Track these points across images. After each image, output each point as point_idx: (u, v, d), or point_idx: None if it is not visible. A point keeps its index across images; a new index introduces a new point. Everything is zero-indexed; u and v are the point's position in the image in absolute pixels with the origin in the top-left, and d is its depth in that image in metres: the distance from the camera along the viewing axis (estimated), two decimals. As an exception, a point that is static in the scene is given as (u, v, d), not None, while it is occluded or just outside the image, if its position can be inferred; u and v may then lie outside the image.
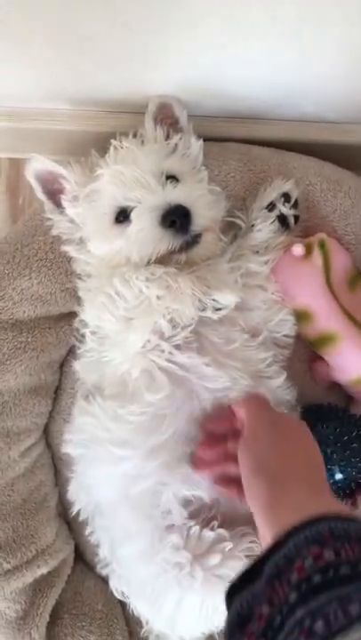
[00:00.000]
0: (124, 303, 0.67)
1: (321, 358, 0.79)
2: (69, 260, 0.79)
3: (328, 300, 0.71)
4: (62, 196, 0.74)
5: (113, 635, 0.80)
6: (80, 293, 0.77)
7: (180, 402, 0.68)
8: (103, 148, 0.75)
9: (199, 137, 0.76)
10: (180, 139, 0.75)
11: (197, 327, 0.69)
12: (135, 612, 0.77)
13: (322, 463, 0.56)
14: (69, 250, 0.76)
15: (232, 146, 0.82)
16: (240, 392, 0.68)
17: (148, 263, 0.68)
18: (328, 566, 0.38)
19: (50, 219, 0.76)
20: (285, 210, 0.75)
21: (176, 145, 0.74)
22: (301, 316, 0.74)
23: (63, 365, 0.87)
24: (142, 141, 0.74)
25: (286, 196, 0.76)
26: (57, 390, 0.87)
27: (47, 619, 0.79)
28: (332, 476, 0.73)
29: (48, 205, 0.75)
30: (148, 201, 0.68)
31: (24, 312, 0.79)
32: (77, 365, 0.77)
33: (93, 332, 0.73)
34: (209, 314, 0.67)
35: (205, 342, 0.70)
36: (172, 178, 0.71)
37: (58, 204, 0.75)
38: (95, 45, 0.69)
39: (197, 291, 0.66)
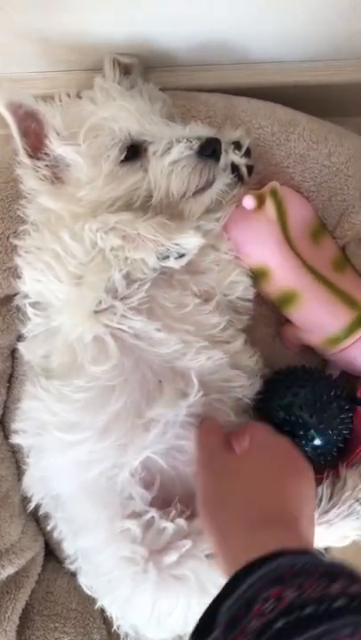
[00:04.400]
0: (72, 260, 0.61)
1: (289, 321, 0.72)
2: (8, 236, 0.72)
3: (286, 254, 0.64)
4: (47, 135, 0.65)
5: (90, 634, 0.76)
6: (18, 260, 0.68)
7: (128, 372, 0.62)
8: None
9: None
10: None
11: (149, 290, 0.63)
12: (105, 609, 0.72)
13: (287, 488, 0.54)
14: (46, 200, 0.66)
15: (178, 93, 0.74)
16: (194, 355, 0.63)
17: (183, 197, 0.64)
18: (290, 608, 0.34)
19: (21, 165, 0.66)
20: (237, 158, 0.68)
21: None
22: (259, 274, 0.68)
23: (15, 352, 0.80)
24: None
25: (237, 145, 0.69)
26: (10, 379, 0.81)
27: (17, 622, 0.74)
28: (311, 441, 0.67)
29: (23, 148, 0.65)
30: (174, 134, 0.63)
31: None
32: (21, 347, 0.70)
33: (35, 304, 0.67)
34: (171, 262, 0.62)
35: (156, 307, 0.64)
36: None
37: (35, 148, 0.65)
38: None
39: (160, 236, 0.60)
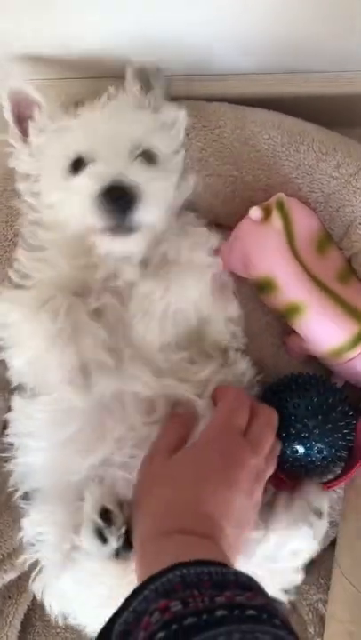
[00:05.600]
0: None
1: (294, 331, 0.72)
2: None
3: (292, 265, 0.64)
4: (31, 123, 0.67)
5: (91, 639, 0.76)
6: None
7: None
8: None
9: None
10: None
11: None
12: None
13: (214, 494, 0.53)
14: (22, 188, 0.70)
15: (187, 103, 0.74)
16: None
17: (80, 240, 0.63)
18: (173, 620, 0.35)
19: (12, 146, 0.69)
20: None
21: (166, 122, 0.69)
22: (266, 286, 0.67)
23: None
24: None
25: None
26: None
27: (18, 627, 0.75)
28: (315, 446, 0.67)
29: (13, 131, 0.68)
30: (109, 163, 0.60)
31: None
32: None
33: None
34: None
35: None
36: (147, 156, 0.64)
37: (24, 133, 0.68)
38: None
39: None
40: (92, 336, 0.61)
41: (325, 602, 0.74)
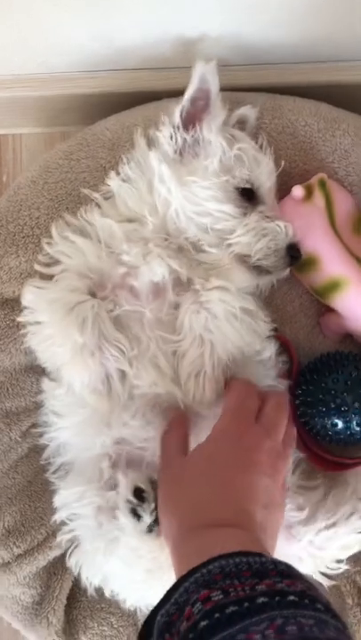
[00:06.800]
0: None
1: (330, 310, 0.75)
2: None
3: (333, 242, 0.67)
4: (204, 120, 0.67)
5: (135, 614, 0.77)
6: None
7: None
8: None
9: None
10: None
11: None
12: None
13: (236, 484, 0.54)
14: (154, 159, 0.67)
15: (225, 94, 0.77)
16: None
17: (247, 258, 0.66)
18: (214, 609, 0.36)
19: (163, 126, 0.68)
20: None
21: None
22: (308, 263, 0.70)
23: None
24: None
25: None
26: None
27: (64, 602, 0.76)
28: (348, 427, 0.70)
29: (181, 113, 0.67)
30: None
31: (13, 291, 0.74)
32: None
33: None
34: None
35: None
36: None
37: (187, 121, 0.67)
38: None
39: None
40: (116, 347, 0.63)
41: (362, 574, 0.75)
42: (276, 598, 0.36)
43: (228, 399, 0.62)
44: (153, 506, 0.59)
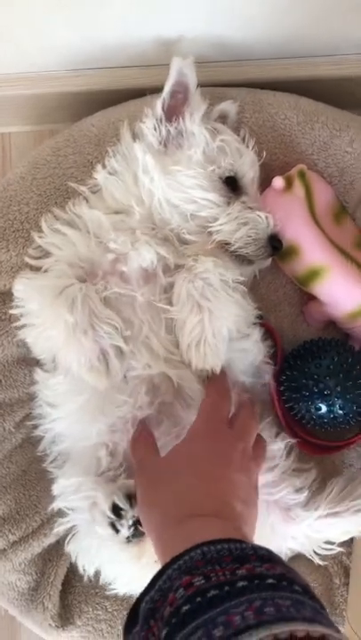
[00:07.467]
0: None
1: (313, 298, 0.77)
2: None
3: (314, 231, 0.69)
4: (185, 112, 0.69)
5: (129, 599, 0.79)
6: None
7: None
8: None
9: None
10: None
11: None
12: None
13: (215, 477, 0.56)
14: (139, 150, 0.69)
15: (206, 90, 0.79)
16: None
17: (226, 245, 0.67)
18: (196, 593, 0.37)
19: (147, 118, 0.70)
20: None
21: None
22: (289, 252, 0.72)
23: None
24: None
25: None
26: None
27: (59, 587, 0.78)
28: (331, 411, 0.72)
29: (160, 106, 0.69)
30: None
31: (4, 285, 0.76)
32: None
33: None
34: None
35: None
36: None
37: (169, 113, 0.69)
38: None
39: None
40: (109, 324, 0.65)
41: (349, 554, 0.78)
42: (256, 581, 0.38)
43: (204, 402, 0.63)
44: (131, 522, 0.61)
